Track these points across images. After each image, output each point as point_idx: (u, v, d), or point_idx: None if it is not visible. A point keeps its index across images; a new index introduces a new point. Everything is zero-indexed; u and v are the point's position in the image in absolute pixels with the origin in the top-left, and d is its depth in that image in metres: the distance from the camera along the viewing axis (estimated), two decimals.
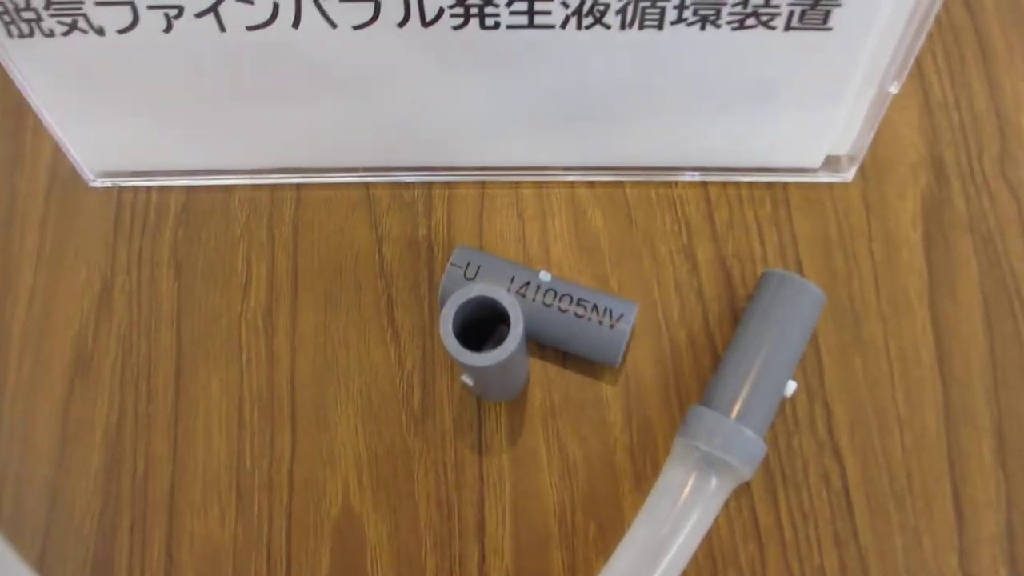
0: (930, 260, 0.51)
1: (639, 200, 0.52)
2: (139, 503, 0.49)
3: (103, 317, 0.53)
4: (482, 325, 0.45)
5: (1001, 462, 0.47)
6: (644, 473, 0.48)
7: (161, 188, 0.55)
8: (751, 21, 0.40)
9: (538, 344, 0.50)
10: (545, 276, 0.47)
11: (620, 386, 0.49)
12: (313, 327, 0.51)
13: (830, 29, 0.39)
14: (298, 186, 0.54)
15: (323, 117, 0.49)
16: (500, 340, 0.46)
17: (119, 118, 0.50)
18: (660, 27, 0.40)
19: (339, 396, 0.50)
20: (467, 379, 0.44)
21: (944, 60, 0.55)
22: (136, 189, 0.55)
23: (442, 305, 0.48)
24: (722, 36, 0.41)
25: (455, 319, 0.40)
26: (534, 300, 0.47)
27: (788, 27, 0.40)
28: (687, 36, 0.41)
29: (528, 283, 0.47)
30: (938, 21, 0.55)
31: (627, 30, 0.41)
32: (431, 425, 0.49)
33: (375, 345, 0.51)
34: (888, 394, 0.49)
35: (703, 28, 0.40)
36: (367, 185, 0.54)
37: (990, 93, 0.54)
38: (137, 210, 0.55)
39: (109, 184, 0.55)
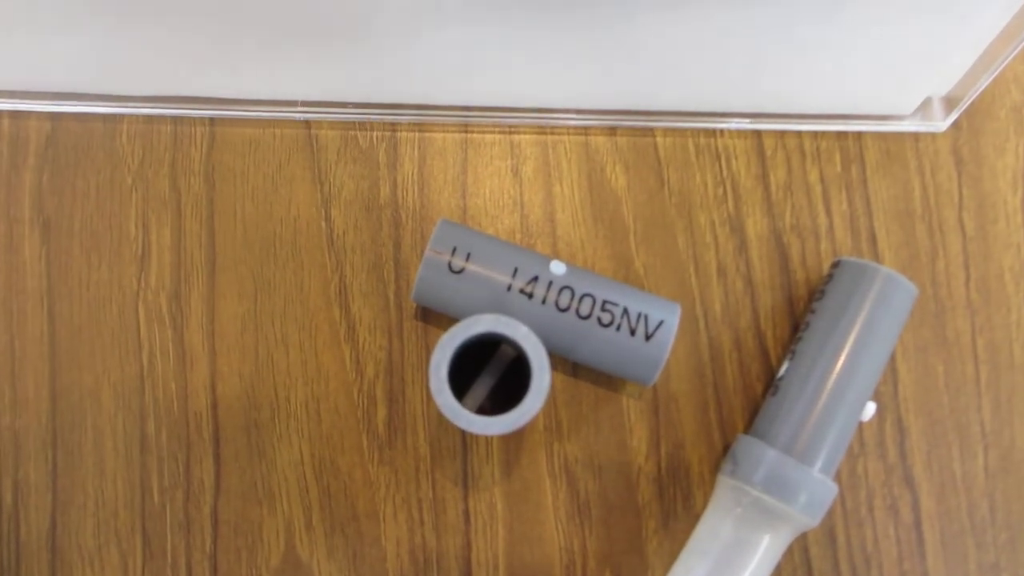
0: None
1: (674, 153, 0.42)
2: (9, 546, 0.40)
3: None
4: (472, 345, 0.35)
5: None
6: (674, 511, 0.40)
7: (15, 113, 0.42)
8: None
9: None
10: (558, 268, 0.37)
11: (645, 401, 0.40)
12: (239, 318, 0.40)
13: None
14: (211, 120, 0.42)
15: (241, 26, 0.36)
16: (500, 366, 0.36)
17: None
18: None
19: (277, 412, 0.40)
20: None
21: None
22: None
23: (418, 301, 0.37)
24: None
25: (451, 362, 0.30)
26: (545, 302, 0.37)
27: None
28: None
29: (536, 278, 0.37)
30: None
31: None
32: (401, 451, 0.40)
33: (324, 345, 0.40)
34: (973, 404, 0.41)
35: None
36: (308, 123, 0.42)
37: None
38: None
39: None
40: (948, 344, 0.42)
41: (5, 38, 0.38)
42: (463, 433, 0.40)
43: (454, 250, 0.37)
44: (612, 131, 0.42)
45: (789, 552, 0.40)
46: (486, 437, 0.40)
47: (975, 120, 0.43)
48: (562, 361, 0.40)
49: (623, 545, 0.40)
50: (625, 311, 0.37)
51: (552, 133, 0.42)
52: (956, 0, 0.34)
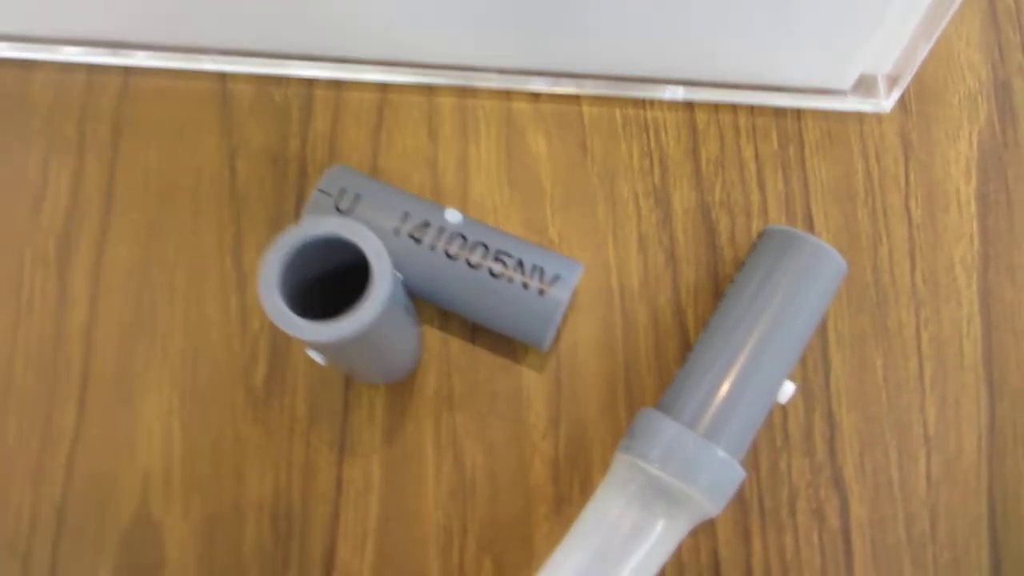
0: (985, 225, 0.39)
1: (599, 122, 0.40)
2: None
3: None
4: (352, 277, 0.33)
5: None
6: (569, 497, 0.36)
7: None
8: None
9: (438, 308, 0.37)
10: (454, 216, 0.35)
11: (548, 374, 0.37)
12: (127, 264, 0.39)
13: None
14: (126, 69, 0.41)
15: None
16: None
17: None
18: None
19: (152, 360, 0.37)
20: (315, 355, 0.31)
21: None
22: None
23: None
24: None
25: (292, 267, 0.28)
26: (434, 248, 0.34)
27: None
28: None
29: (427, 224, 0.34)
30: None
31: None
32: (277, 410, 0.37)
33: (211, 294, 0.38)
34: (916, 403, 0.37)
35: None
36: (223, 76, 0.41)
37: None
38: None
39: None
40: (890, 335, 0.38)
41: None
42: (345, 395, 0.37)
43: (343, 191, 0.35)
44: (536, 97, 0.40)
45: (695, 553, 0.35)
46: (370, 402, 0.37)
47: (926, 106, 0.40)
48: (460, 326, 0.38)
49: (508, 530, 0.36)
50: (520, 263, 0.34)
51: (473, 96, 0.40)
52: None
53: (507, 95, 0.40)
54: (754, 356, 0.34)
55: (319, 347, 0.28)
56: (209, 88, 0.41)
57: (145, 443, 0.36)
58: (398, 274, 0.32)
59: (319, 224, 0.27)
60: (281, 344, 0.37)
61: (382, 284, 0.27)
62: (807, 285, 0.35)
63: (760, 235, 0.36)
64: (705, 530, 0.36)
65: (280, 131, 0.40)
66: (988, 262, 0.39)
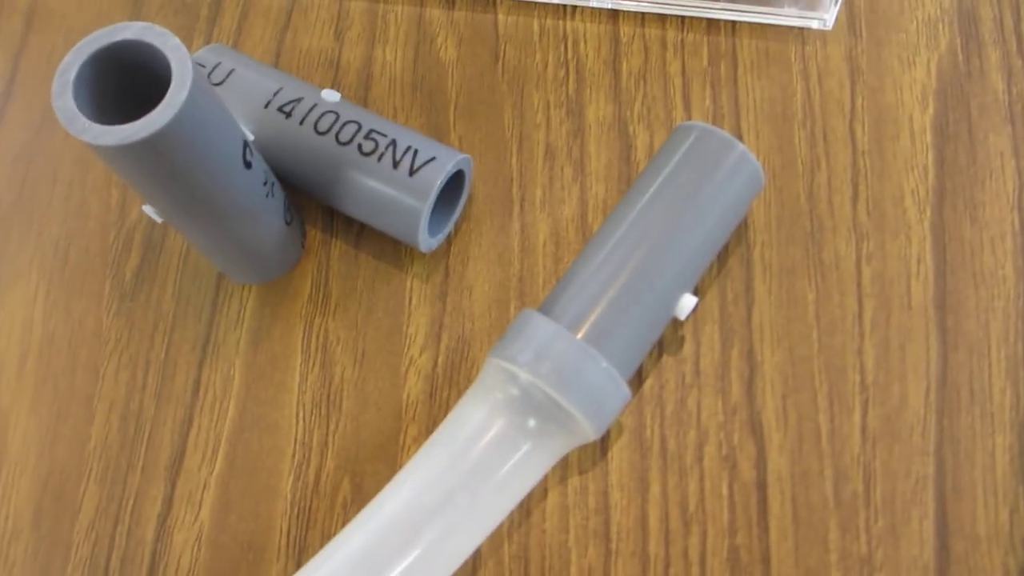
0: (943, 157, 0.34)
1: (515, 31, 0.36)
2: None
3: None
4: None
5: (1022, 473, 0.30)
6: (443, 417, 0.31)
7: None
8: None
9: (322, 207, 0.33)
10: (331, 96, 0.31)
11: (434, 285, 0.33)
12: (16, 149, 0.36)
13: None
14: None
15: None
16: None
17: None
18: None
19: (26, 246, 0.34)
20: (150, 211, 0.28)
21: None
22: None
23: None
24: None
25: (104, 83, 0.24)
26: (303, 123, 0.31)
27: None
28: None
29: (299, 100, 0.31)
30: None
31: None
32: (143, 304, 0.33)
33: (94, 185, 0.35)
34: (852, 346, 0.31)
35: None
36: None
37: None
38: None
39: None
40: (825, 269, 0.32)
41: None
42: (215, 294, 0.33)
43: (218, 65, 0.32)
44: (451, 4, 0.37)
45: (583, 495, 0.30)
46: (240, 301, 0.33)
47: (878, 31, 0.36)
48: (345, 228, 0.34)
49: (372, 449, 0.31)
50: (393, 142, 0.30)
51: (385, 1, 0.37)
52: None
53: (420, 1, 0.37)
54: (649, 257, 0.29)
55: (115, 164, 0.24)
56: None
57: (5, 330, 0.33)
58: (248, 134, 0.28)
59: (126, 29, 0.24)
60: (158, 237, 0.34)
61: (180, 92, 0.23)
62: (714, 185, 0.30)
63: (672, 132, 0.32)
64: (595, 469, 0.30)
65: (187, 27, 0.37)
66: (944, 196, 0.33)
